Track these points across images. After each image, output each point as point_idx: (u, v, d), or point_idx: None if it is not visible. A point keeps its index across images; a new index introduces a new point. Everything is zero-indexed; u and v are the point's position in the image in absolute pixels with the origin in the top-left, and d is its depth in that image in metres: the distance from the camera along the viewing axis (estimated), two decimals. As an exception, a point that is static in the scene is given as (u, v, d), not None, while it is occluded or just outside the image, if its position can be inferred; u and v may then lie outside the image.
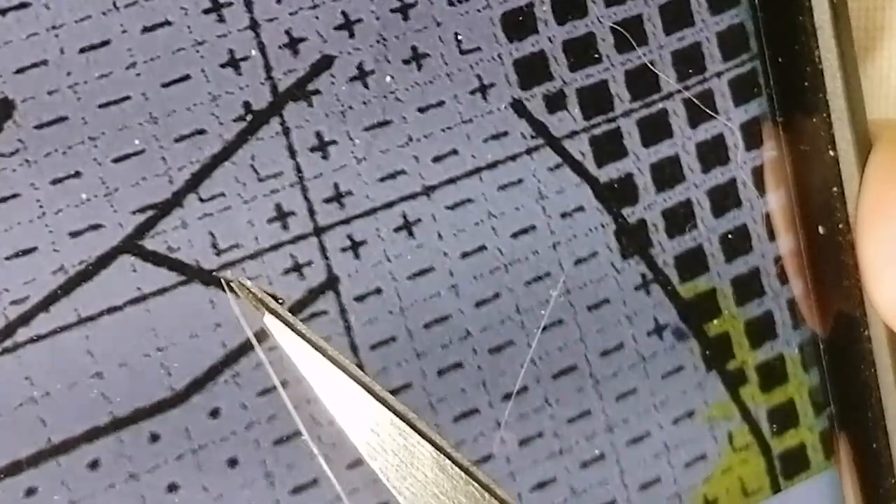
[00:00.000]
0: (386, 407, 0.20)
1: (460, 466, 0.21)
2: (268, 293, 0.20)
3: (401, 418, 0.20)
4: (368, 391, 0.20)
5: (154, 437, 0.19)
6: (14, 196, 0.19)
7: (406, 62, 0.20)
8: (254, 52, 0.19)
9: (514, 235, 0.21)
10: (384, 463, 0.20)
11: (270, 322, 0.20)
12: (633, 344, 0.22)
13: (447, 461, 0.21)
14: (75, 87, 0.19)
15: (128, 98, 0.19)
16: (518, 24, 0.21)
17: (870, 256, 0.22)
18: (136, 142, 0.19)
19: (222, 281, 0.20)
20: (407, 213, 0.21)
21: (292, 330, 0.20)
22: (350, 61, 0.20)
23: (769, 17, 0.22)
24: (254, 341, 0.20)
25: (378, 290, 0.21)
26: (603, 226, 0.22)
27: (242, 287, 0.20)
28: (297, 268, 0.20)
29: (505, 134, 0.21)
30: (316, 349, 0.20)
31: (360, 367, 0.21)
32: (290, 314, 0.20)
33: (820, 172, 0.22)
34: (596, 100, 0.22)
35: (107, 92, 0.19)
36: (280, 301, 0.20)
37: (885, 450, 0.24)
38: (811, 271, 0.24)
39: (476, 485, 0.21)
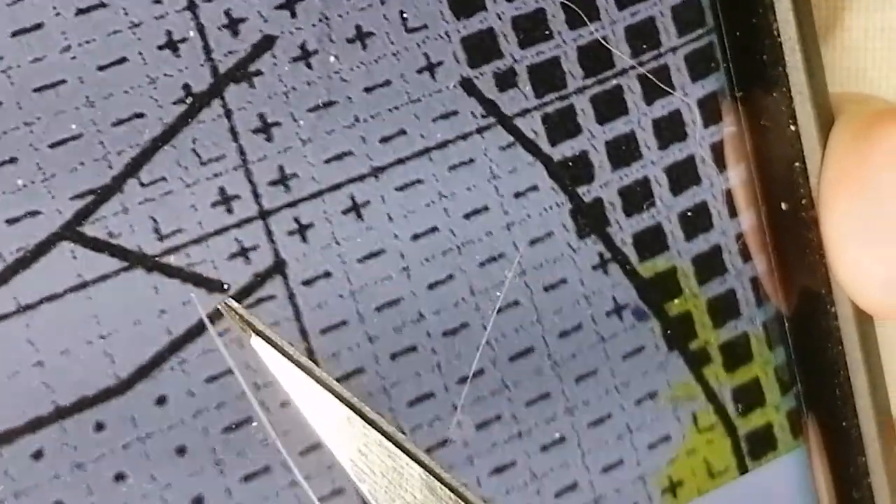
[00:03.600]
0: (374, 428, 0.20)
1: (450, 487, 0.21)
2: (213, 278, 0.20)
3: (389, 440, 0.20)
4: (357, 412, 0.20)
5: (99, 426, 0.19)
6: None
7: (350, 41, 0.20)
8: (192, 34, 0.19)
9: (467, 216, 0.21)
10: (373, 485, 0.20)
11: (258, 345, 0.20)
12: (591, 324, 0.22)
13: (436, 482, 0.20)
14: (8, 71, 0.18)
15: (63, 82, 0.19)
16: (465, 1, 0.21)
17: (834, 232, 0.22)
18: (73, 126, 0.19)
19: (220, 307, 0.19)
20: (355, 195, 0.20)
21: (280, 352, 0.20)
22: (292, 41, 0.20)
23: (724, -10, 0.22)
24: (208, 323, 0.19)
25: (327, 274, 0.20)
26: (558, 205, 0.22)
27: (229, 309, 0.19)
28: (242, 252, 0.20)
29: (455, 113, 0.21)
30: (303, 370, 0.20)
31: (311, 352, 0.20)
32: (276, 335, 0.20)
33: (781, 148, 0.22)
34: (548, 77, 0.21)
35: (41, 76, 0.18)
36: (226, 287, 0.20)
37: (855, 428, 0.23)
38: (774, 248, 0.23)
39: None
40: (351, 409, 0.20)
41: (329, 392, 0.20)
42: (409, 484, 0.20)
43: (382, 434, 0.20)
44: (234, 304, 0.20)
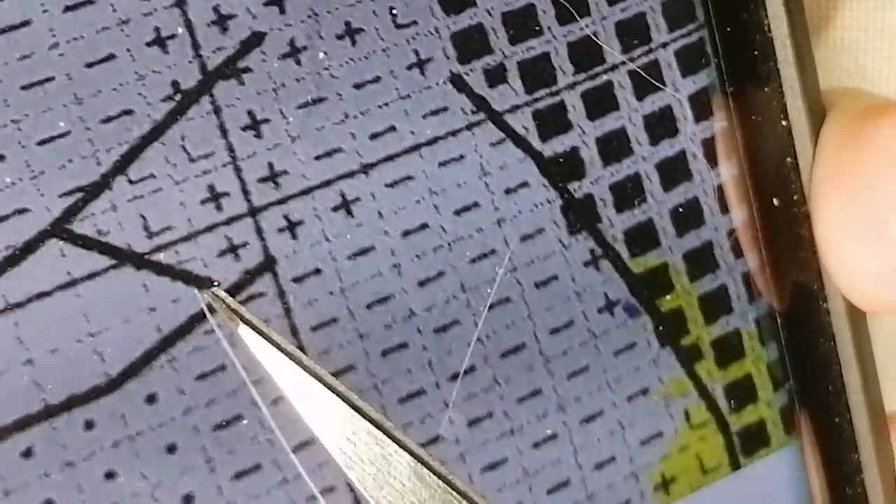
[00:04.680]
0: (362, 416, 0.20)
1: (438, 475, 0.21)
2: (202, 276, 0.20)
3: (378, 427, 0.20)
4: (345, 401, 0.20)
5: (89, 425, 0.19)
6: None
7: (339, 37, 0.20)
8: (181, 30, 0.19)
9: (457, 213, 0.21)
10: (361, 472, 0.20)
11: (245, 333, 0.20)
12: (583, 321, 0.22)
13: (424, 470, 0.20)
14: None
15: (51, 79, 0.18)
16: (455, -3, 0.21)
17: (826, 228, 0.22)
18: (62, 124, 0.19)
19: (199, 293, 0.19)
20: (345, 191, 0.20)
21: (268, 340, 0.20)
22: (281, 37, 0.20)
23: (715, -15, 0.22)
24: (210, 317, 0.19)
25: (317, 271, 0.20)
26: (549, 201, 0.22)
27: (217, 298, 0.19)
28: (232, 249, 0.20)
29: (444, 109, 0.21)
30: (292, 360, 0.20)
31: (302, 349, 0.20)
32: (263, 324, 0.20)
33: (773, 143, 0.22)
34: (538, 73, 0.21)
35: (29, 73, 0.18)
36: (216, 284, 0.20)
37: (847, 424, 0.23)
38: (766, 244, 0.23)
39: (454, 493, 0.21)
40: (340, 398, 0.20)
41: (319, 382, 0.20)
42: (397, 471, 0.20)
43: (371, 422, 0.20)
44: (223, 295, 0.20)
